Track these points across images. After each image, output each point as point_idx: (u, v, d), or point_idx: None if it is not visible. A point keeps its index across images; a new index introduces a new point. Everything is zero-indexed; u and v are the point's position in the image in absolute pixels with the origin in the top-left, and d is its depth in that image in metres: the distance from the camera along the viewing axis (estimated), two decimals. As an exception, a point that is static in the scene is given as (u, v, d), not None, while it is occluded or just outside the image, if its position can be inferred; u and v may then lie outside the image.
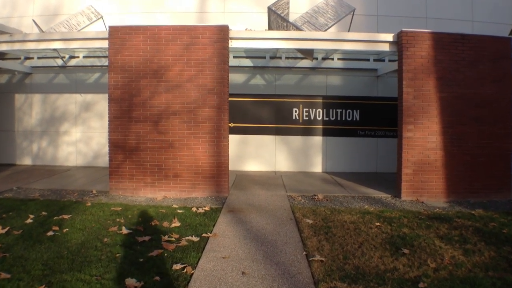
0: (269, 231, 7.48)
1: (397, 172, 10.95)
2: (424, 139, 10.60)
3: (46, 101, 15.93)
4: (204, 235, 7.16)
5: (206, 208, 9.12)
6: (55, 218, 8.15)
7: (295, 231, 7.49)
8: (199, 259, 6.05)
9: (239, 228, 7.63)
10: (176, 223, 7.79)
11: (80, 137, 15.72)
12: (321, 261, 6.00)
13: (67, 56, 15.29)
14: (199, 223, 7.92)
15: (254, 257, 6.16)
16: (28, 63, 15.63)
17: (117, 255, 6.18)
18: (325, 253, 6.34)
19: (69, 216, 8.30)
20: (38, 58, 15.49)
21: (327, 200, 10.33)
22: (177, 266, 5.72)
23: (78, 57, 15.38)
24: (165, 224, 7.78)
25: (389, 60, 14.59)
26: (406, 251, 6.54)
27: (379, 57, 14.75)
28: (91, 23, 12.87)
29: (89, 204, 9.40)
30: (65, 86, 15.84)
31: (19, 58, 15.54)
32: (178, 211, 8.87)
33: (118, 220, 8.06)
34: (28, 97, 16.02)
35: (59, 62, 15.35)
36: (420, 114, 10.56)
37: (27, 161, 16.09)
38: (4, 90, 16.11)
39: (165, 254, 6.21)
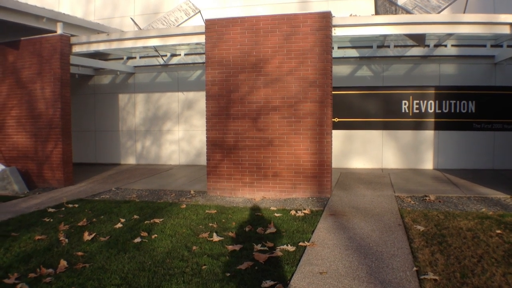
0: (375, 239, 6.69)
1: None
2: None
3: (149, 100, 16.01)
4: (301, 243, 6.47)
5: (306, 211, 8.49)
6: (146, 222, 7.87)
7: (404, 240, 6.65)
8: (292, 274, 5.33)
9: (341, 236, 6.89)
10: (271, 229, 7.17)
11: (182, 135, 15.63)
12: (435, 280, 5.10)
13: (168, 54, 15.22)
14: (296, 229, 7.26)
15: (356, 273, 5.37)
16: (130, 63, 15.79)
17: (204, 267, 5.64)
18: (439, 269, 5.44)
19: (161, 220, 7.98)
20: (140, 57, 15.58)
21: (439, 201, 9.38)
22: (267, 284, 5.03)
23: (179, 55, 15.28)
24: (260, 230, 7.19)
25: (508, 46, 13.28)
26: (536, 266, 5.57)
27: (497, 42, 13.47)
28: (188, 18, 12.58)
29: (184, 206, 9.08)
30: (167, 84, 15.85)
31: (122, 59, 15.69)
32: (276, 214, 8.29)
33: (210, 224, 7.62)
34: (132, 97, 16.18)
35: (161, 61, 15.32)
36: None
37: (131, 160, 16.27)
38: (108, 91, 16.38)
39: (256, 267, 5.55)
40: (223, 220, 7.91)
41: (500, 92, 13.72)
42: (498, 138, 13.91)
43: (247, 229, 7.28)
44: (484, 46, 13.50)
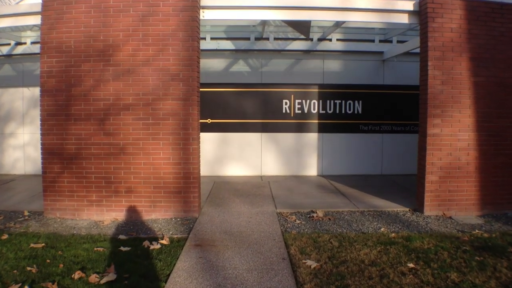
0: (252, 285, 4.90)
1: (418, 179, 8.57)
2: (454, 136, 8.26)
3: (-12, 97, 13.26)
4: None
5: (164, 241, 6.51)
6: None
7: (291, 285, 4.91)
8: None
9: (206, 283, 4.99)
10: (110, 276, 5.08)
11: (28, 139, 13.04)
12: None
13: (12, 42, 12.67)
14: (145, 273, 5.24)
15: None
16: (-37, 52, 12.98)
17: None
18: None
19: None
20: (-24, 45, 12.82)
21: (329, 219, 7.86)
22: None
23: (25, 43, 12.75)
24: (93, 278, 5.06)
25: (398, 41, 12.23)
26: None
27: (386, 37, 12.45)
28: (30, -5, 10.20)
29: (5, 236, 6.74)
30: (11, 78, 13.14)
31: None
32: (122, 248, 6.20)
33: (29, 269, 5.37)
34: (-35, 93, 13.33)
35: (4, 50, 12.73)
36: (450, 105, 8.20)
37: (-36, 169, 13.41)
38: None
39: None
40: (49, 261, 5.72)
41: (389, 91, 12.70)
42: (387, 141, 12.90)
43: (76, 276, 5.14)
44: (373, 41, 12.50)
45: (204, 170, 12.48)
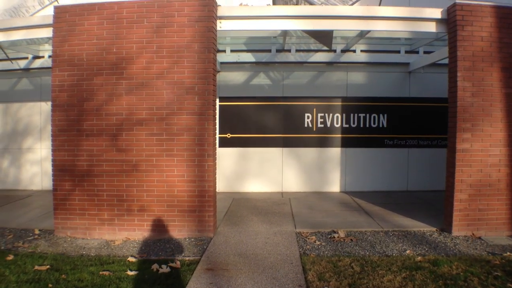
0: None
1: (446, 197, 8.07)
2: (484, 151, 7.75)
3: (7, 111, 13.08)
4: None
5: (174, 264, 6.13)
6: None
7: (307, 317, 4.51)
8: None
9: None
10: None
11: (46, 154, 12.79)
12: None
13: (30, 56, 12.50)
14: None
15: None
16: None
17: None
18: None
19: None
20: (-4, 60, 12.66)
21: (351, 240, 7.42)
22: None
23: (43, 57, 12.58)
24: None
25: (424, 52, 11.75)
26: None
27: (412, 48, 11.97)
28: (42, 8, 10.09)
29: (11, 257, 6.47)
30: (29, 92, 12.97)
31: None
32: (129, 272, 5.85)
33: None
34: (-17, 107, 13.19)
35: (21, 64, 12.57)
36: (480, 118, 7.71)
37: (-17, 184, 13.24)
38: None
39: None
40: (51, 285, 5.40)
41: (415, 104, 12.21)
42: (413, 156, 12.37)
43: (77, 303, 4.85)
44: (398, 52, 11.99)
45: (223, 186, 12.17)
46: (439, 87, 11.70)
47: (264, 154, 12.42)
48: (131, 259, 6.48)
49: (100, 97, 7.72)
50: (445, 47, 8.87)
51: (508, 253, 6.64)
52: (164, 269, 5.96)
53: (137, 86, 7.66)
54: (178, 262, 6.23)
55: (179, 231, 7.70)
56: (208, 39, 7.57)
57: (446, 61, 8.41)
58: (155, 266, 6.04)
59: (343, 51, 12.01)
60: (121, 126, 7.69)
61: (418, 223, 8.53)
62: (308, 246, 7.05)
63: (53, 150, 7.88)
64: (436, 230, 8.09)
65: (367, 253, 6.72)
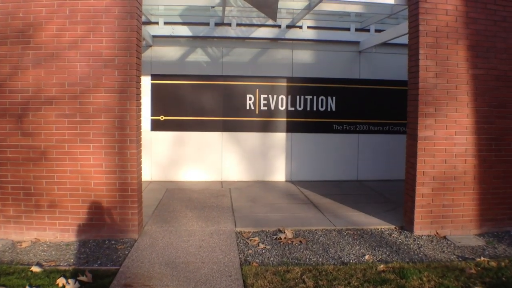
0: None
1: (406, 191, 7.21)
2: (449, 140, 6.92)
3: None
4: None
5: (84, 278, 4.93)
6: None
7: None
8: None
9: None
10: None
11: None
12: None
13: None
14: None
15: None
16: None
17: None
18: None
19: None
20: None
21: (300, 241, 6.43)
22: None
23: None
24: None
25: (376, 30, 10.97)
26: None
27: (363, 25, 11.15)
28: None
29: None
30: None
31: None
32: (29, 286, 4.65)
33: None
34: None
35: None
36: (445, 102, 6.86)
37: None
38: None
39: None
40: None
41: (366, 86, 11.47)
42: (363, 142, 11.65)
43: None
44: (348, 29, 11.14)
45: (156, 174, 11.17)
46: (392, 68, 11.03)
47: (202, 139, 11.34)
48: (35, 268, 5.21)
49: (3, 70, 6.37)
50: (399, 25, 7.99)
51: (482, 258, 5.75)
52: (71, 284, 4.77)
53: (46, 58, 6.35)
54: (90, 275, 5.02)
55: (97, 232, 6.49)
56: (130, 2, 6.35)
57: (399, 40, 7.59)
58: (60, 281, 4.82)
59: (289, 26, 11.01)
60: (27, 106, 6.38)
61: (374, 219, 7.66)
62: (250, 251, 6.00)
63: None
64: (396, 228, 7.23)
65: (320, 259, 5.73)
